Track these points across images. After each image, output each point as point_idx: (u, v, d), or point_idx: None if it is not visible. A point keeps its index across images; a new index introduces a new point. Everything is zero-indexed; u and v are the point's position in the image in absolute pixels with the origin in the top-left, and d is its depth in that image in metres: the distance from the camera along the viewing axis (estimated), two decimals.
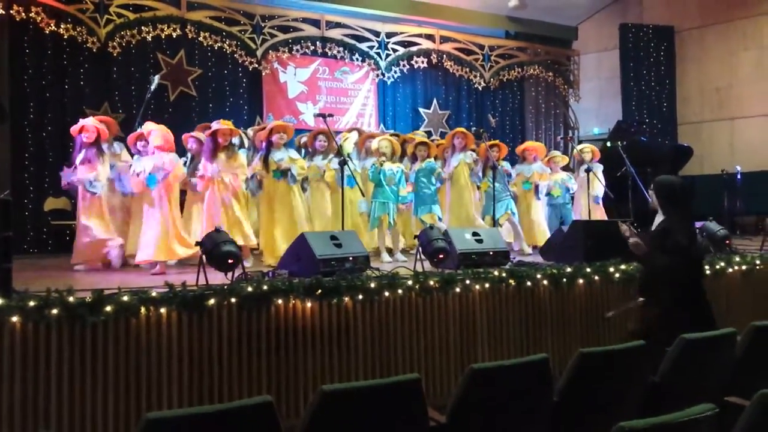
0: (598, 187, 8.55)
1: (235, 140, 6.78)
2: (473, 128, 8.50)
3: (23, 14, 8.29)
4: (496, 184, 7.37)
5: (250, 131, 7.87)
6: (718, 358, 3.38)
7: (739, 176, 11.09)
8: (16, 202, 7.56)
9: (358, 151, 7.84)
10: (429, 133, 10.88)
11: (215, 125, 6.49)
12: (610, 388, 3.08)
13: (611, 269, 5.67)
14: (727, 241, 7.11)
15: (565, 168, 8.90)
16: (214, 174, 6.24)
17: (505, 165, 8.23)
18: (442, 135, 11.02)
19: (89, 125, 6.38)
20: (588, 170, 8.16)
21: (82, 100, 8.71)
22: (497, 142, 8.41)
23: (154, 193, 6.13)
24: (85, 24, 8.69)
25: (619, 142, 9.03)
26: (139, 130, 6.66)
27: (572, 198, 8.77)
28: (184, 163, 6.78)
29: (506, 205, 7.92)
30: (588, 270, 5.58)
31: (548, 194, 8.47)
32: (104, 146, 6.52)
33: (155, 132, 6.29)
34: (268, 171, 6.46)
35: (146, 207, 6.17)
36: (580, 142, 12.20)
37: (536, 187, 8.33)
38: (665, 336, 3.48)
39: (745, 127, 12.19)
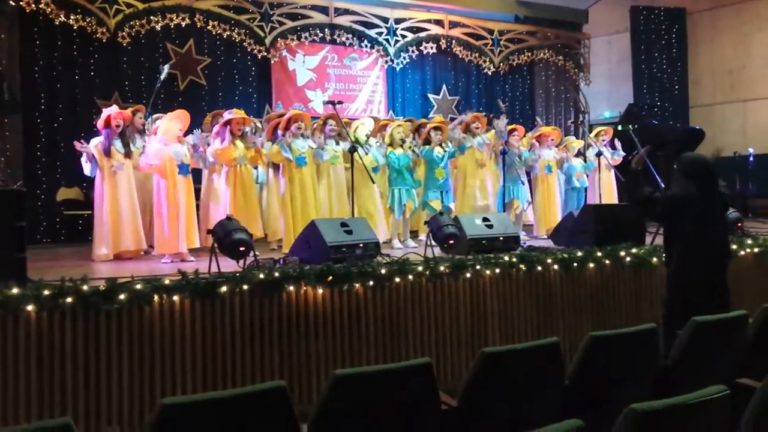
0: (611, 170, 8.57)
1: (247, 129, 6.83)
2: (484, 114, 8.42)
3: (33, 5, 8.31)
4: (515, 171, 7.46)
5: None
6: (730, 340, 3.38)
7: (751, 159, 11.00)
8: (29, 192, 7.59)
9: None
10: None
11: (228, 115, 6.56)
12: (621, 371, 3.08)
13: (622, 253, 5.66)
14: (739, 224, 7.07)
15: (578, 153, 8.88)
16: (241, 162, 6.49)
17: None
18: (452, 121, 10.99)
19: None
20: (599, 154, 8.13)
21: (92, 91, 8.75)
22: (515, 125, 8.41)
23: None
24: (94, 14, 8.70)
25: (630, 126, 8.98)
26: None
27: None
28: None
29: (518, 192, 7.97)
30: (599, 254, 5.57)
31: (568, 179, 8.49)
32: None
33: None
34: (291, 159, 6.62)
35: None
36: (591, 126, 12.14)
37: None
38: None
39: (758, 110, 12.06)
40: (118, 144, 6.32)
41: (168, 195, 6.03)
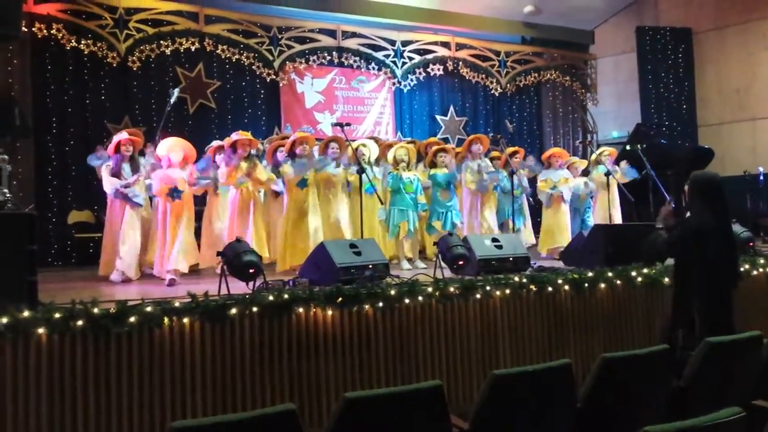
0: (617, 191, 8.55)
1: (253, 151, 6.87)
2: (491, 134, 8.46)
3: (45, 31, 8.44)
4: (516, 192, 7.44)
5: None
6: (744, 361, 3.34)
7: (761, 177, 10.95)
8: (40, 215, 7.66)
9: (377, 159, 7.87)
10: (446, 140, 10.89)
11: (234, 136, 6.62)
12: (634, 393, 3.05)
13: (633, 273, 5.62)
14: (751, 243, 7.02)
15: (585, 173, 8.87)
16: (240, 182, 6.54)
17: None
18: (460, 142, 11.03)
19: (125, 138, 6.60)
20: (608, 174, 8.12)
21: (103, 114, 8.85)
22: (517, 148, 8.42)
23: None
24: (105, 39, 8.82)
25: (638, 145, 8.96)
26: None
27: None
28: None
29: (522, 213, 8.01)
30: (610, 274, 5.53)
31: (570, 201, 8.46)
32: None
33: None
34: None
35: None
36: (599, 146, 12.13)
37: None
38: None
39: (766, 128, 12.03)
40: (126, 169, 6.50)
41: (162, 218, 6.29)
